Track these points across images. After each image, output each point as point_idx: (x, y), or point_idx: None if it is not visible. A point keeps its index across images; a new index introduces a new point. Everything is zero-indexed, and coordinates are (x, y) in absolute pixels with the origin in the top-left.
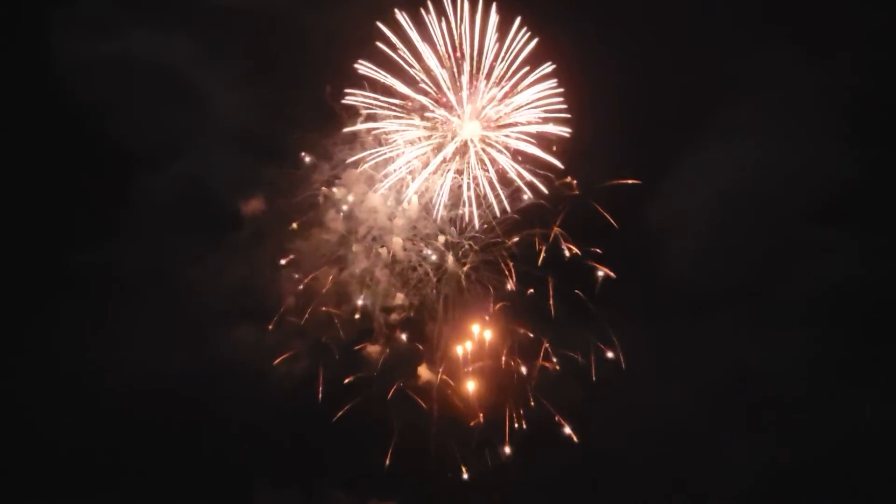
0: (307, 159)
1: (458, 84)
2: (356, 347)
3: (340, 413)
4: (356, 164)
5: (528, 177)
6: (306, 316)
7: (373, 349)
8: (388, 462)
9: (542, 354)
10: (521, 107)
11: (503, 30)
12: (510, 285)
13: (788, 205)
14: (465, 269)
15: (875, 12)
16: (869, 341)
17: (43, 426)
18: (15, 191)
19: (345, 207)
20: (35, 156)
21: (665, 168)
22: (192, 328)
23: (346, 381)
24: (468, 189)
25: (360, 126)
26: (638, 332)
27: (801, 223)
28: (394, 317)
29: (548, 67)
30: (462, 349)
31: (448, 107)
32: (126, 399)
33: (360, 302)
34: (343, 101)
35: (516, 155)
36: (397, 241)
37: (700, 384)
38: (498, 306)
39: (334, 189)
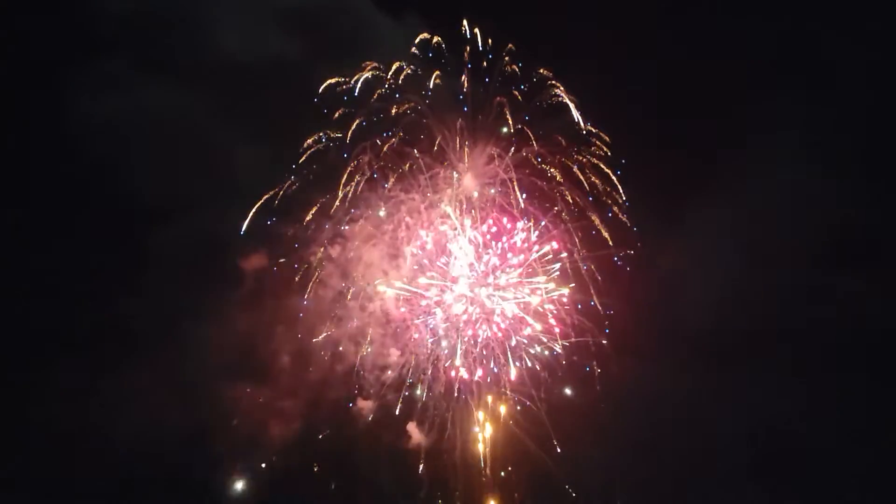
0: (311, 216)
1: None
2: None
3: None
4: (357, 220)
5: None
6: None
7: (363, 405)
8: None
9: None
10: None
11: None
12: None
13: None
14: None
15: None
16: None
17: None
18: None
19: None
20: (47, 209)
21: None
22: (190, 385)
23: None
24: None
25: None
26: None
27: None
28: (388, 374)
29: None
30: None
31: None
32: (125, 456)
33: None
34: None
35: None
36: (391, 297)
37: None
38: None
39: (333, 246)
